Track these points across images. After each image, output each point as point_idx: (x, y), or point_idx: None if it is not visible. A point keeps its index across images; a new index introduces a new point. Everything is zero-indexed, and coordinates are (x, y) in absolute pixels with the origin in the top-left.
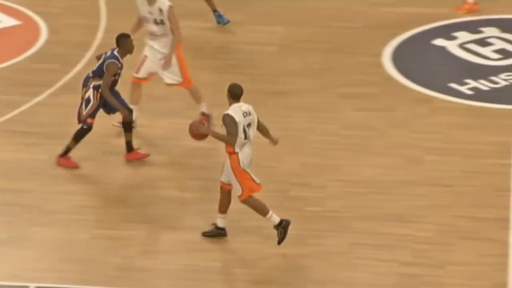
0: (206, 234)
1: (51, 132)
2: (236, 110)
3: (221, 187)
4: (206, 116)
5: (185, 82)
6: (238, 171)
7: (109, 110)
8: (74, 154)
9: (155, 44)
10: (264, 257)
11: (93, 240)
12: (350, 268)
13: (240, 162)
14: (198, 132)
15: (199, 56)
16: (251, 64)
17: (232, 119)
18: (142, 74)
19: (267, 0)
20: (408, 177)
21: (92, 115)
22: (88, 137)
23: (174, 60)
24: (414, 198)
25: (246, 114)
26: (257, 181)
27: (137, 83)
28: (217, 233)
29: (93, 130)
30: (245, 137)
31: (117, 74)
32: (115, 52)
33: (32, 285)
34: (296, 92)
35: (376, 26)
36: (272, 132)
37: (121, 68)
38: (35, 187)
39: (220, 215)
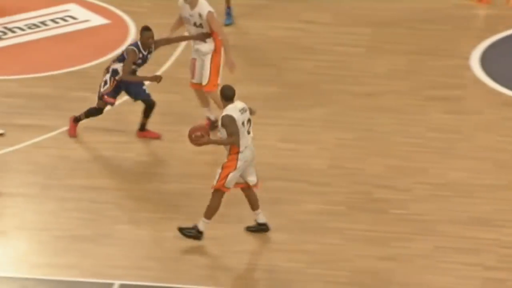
0: (249, 229)
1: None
2: (233, 110)
3: (242, 188)
4: (210, 122)
5: (209, 86)
6: (228, 168)
7: (134, 96)
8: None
9: (200, 47)
10: (346, 259)
11: (178, 238)
12: (434, 271)
13: (238, 164)
14: (197, 144)
15: (286, 57)
16: (337, 65)
17: (231, 118)
18: (197, 79)
19: (354, 1)
20: (494, 181)
21: (109, 95)
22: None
23: (207, 62)
24: (500, 202)
25: (243, 110)
26: (251, 183)
27: (196, 88)
28: (259, 229)
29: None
30: (245, 135)
31: (136, 64)
32: (138, 42)
33: (116, 282)
34: (382, 94)
35: (465, 28)
36: (357, 133)
37: (142, 59)
38: (121, 185)
39: (255, 212)
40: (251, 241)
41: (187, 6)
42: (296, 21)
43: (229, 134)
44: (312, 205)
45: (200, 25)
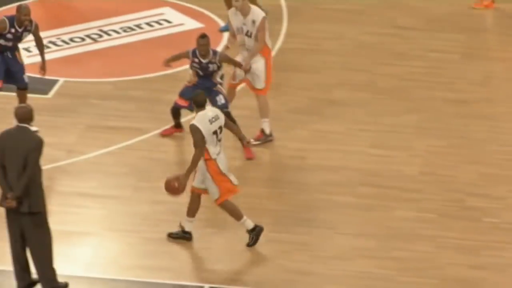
0: (171, 236)
1: (228, 133)
2: (202, 119)
3: (192, 191)
4: (263, 135)
5: (264, 91)
6: (217, 176)
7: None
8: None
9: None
10: (436, 267)
11: (268, 243)
12: None
13: (220, 167)
14: (178, 192)
15: (378, 62)
16: (431, 71)
17: (196, 129)
18: (237, 79)
19: (449, 7)
20: None
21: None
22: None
23: (262, 67)
24: None
25: (213, 119)
26: (235, 182)
27: (232, 88)
28: (182, 236)
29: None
30: (216, 144)
31: (192, 68)
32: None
33: (206, 285)
34: (477, 101)
35: None
36: (451, 140)
37: (198, 63)
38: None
39: (188, 218)
40: (341, 247)
41: (239, 15)
42: (390, 27)
43: (194, 145)
44: (403, 212)
45: (251, 34)
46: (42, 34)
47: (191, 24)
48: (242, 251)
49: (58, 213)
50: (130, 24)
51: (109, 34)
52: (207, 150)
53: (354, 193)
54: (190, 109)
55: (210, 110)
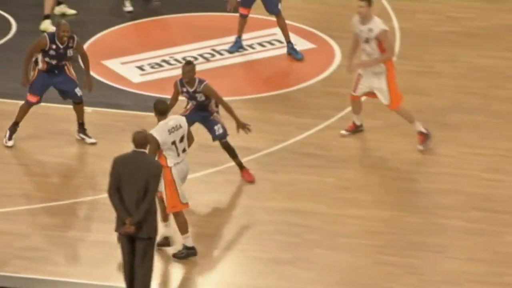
0: (177, 256)
1: (339, 156)
2: (161, 129)
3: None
4: (423, 135)
5: (392, 104)
6: (169, 185)
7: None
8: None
9: (373, 68)
10: None
11: (375, 265)
12: None
13: (174, 176)
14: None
15: (492, 85)
16: None
17: (153, 139)
18: (358, 92)
19: None
20: None
21: None
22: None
23: (384, 82)
24: None
25: (174, 129)
26: (184, 201)
27: (355, 100)
28: (188, 254)
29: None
30: (177, 154)
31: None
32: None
33: None
34: None
35: None
36: None
37: (187, 92)
38: (321, 209)
39: (163, 223)
40: (450, 271)
41: (359, 21)
42: (505, 50)
43: (149, 152)
44: None
45: (369, 41)
46: (157, 52)
47: (303, 44)
48: (351, 272)
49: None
50: (243, 43)
51: (221, 54)
52: (165, 158)
53: (465, 217)
54: None
55: (172, 119)
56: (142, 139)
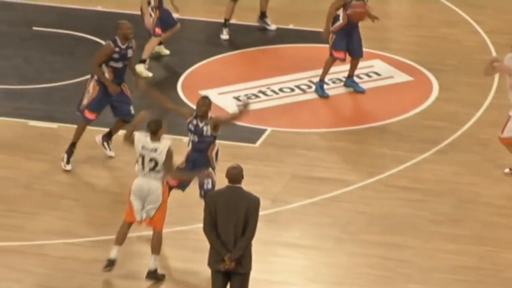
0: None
1: (435, 189)
2: (141, 136)
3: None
4: None
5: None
6: (130, 194)
7: None
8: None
9: None
10: None
11: None
12: None
13: (132, 187)
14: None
15: None
16: None
17: (134, 139)
18: (506, 134)
19: None
20: None
21: None
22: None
23: None
24: None
25: (149, 149)
26: (138, 218)
27: (504, 143)
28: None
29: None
30: (140, 168)
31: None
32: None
33: None
34: None
35: None
36: None
37: (195, 126)
38: (415, 243)
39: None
40: None
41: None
42: None
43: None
44: None
45: None
46: (253, 83)
47: (400, 77)
48: None
49: (261, 262)
50: (339, 75)
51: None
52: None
53: None
54: (182, 188)
55: (152, 143)
56: (237, 174)
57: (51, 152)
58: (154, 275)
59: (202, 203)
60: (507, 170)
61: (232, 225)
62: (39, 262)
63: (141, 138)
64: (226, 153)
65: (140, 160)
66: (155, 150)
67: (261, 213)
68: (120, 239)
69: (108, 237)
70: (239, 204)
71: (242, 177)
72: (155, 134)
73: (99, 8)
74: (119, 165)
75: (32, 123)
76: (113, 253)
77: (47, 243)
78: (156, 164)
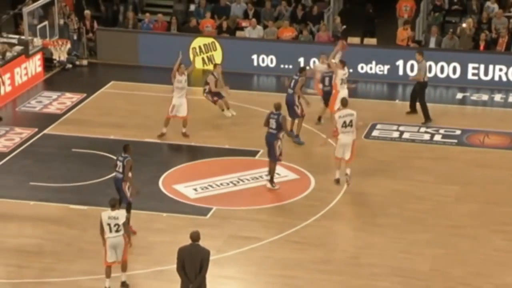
0: None
1: None
2: (104, 213)
3: None
4: None
5: None
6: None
7: None
8: None
9: None
10: None
11: None
12: None
13: (106, 244)
14: None
15: None
16: None
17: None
18: None
19: None
20: None
21: None
22: None
23: None
24: None
25: (111, 218)
26: (109, 259)
27: None
28: None
29: None
30: (109, 230)
31: None
32: None
33: None
34: None
35: None
36: None
37: None
38: None
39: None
40: None
41: None
42: None
43: None
44: None
45: None
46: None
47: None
48: None
49: None
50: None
51: (243, 181)
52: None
53: None
54: None
55: (116, 213)
56: (196, 236)
57: (83, 223)
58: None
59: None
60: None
61: (193, 267)
62: None
63: (104, 214)
64: (190, 223)
65: (107, 227)
66: (117, 218)
67: (210, 258)
68: (107, 274)
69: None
70: (197, 255)
71: (199, 238)
72: (114, 207)
73: (112, 136)
74: None
75: (72, 206)
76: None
77: (80, 279)
78: (115, 226)
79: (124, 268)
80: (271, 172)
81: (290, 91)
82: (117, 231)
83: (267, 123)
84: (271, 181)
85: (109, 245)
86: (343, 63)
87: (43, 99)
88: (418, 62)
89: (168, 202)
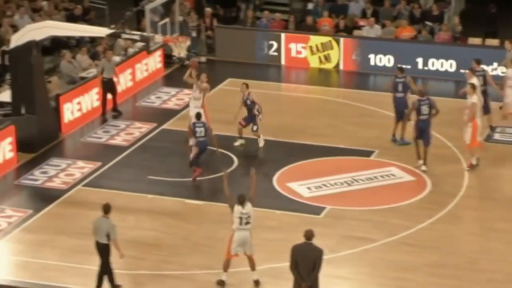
0: None
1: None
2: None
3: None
4: None
5: None
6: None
7: None
8: None
9: None
10: None
11: None
12: None
13: (232, 238)
14: None
15: None
16: None
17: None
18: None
19: None
20: None
21: None
22: None
23: None
24: None
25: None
26: (232, 252)
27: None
28: None
29: None
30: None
31: None
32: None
33: None
34: None
35: None
36: None
37: None
38: None
39: None
40: None
41: None
42: None
43: None
44: None
45: None
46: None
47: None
48: None
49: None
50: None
51: (357, 181)
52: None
53: None
54: None
55: (246, 209)
56: (310, 235)
57: (198, 218)
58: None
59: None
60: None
61: (306, 266)
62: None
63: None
64: (303, 221)
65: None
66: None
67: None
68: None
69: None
70: (311, 254)
71: (313, 236)
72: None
73: (228, 133)
74: None
75: (187, 201)
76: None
77: (196, 273)
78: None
79: (253, 266)
80: (425, 156)
81: (399, 94)
82: (247, 223)
83: (418, 111)
84: (425, 163)
85: (235, 238)
86: None
87: (162, 94)
88: (507, 51)
89: (282, 200)
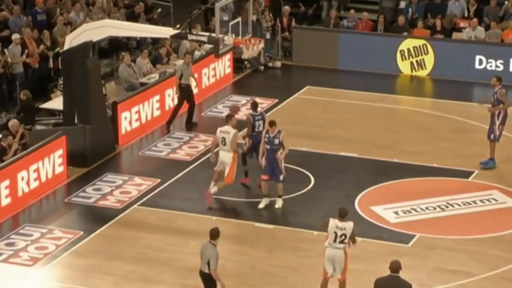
0: None
1: None
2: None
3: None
4: None
5: None
6: None
7: None
8: None
9: None
10: None
11: None
12: None
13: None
14: None
15: None
16: None
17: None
18: None
19: None
20: None
21: None
22: None
23: None
24: None
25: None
26: (328, 269)
27: None
28: None
29: None
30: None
31: None
32: None
33: None
34: None
35: None
36: None
37: None
38: None
39: None
40: None
41: None
42: None
43: None
44: None
45: None
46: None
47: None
48: None
49: None
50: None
51: (453, 206)
52: None
53: None
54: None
55: (343, 224)
56: (397, 267)
57: (268, 244)
58: None
59: None
60: None
61: None
62: None
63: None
64: (389, 250)
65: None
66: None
67: None
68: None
69: None
70: None
71: (400, 268)
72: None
73: (303, 148)
74: None
75: (257, 224)
76: None
77: None
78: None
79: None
80: None
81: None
82: (341, 242)
83: None
84: None
85: (326, 255)
86: None
87: (231, 103)
88: None
89: (365, 225)
